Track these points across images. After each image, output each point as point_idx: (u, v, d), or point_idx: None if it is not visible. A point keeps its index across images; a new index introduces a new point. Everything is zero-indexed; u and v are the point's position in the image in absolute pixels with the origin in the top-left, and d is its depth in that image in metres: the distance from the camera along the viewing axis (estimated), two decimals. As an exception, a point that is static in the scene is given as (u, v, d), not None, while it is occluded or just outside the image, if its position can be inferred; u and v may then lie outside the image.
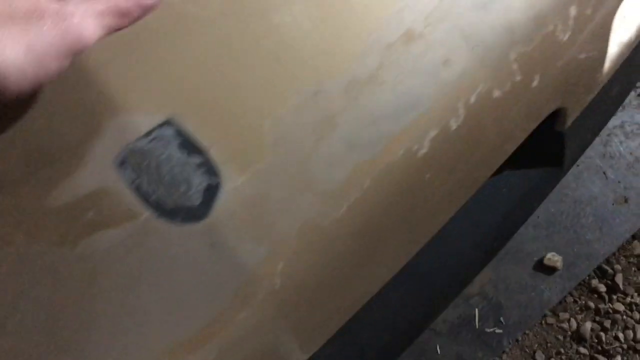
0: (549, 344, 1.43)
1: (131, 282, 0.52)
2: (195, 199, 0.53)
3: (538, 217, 1.50)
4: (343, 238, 0.58)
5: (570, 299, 1.46)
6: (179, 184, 0.53)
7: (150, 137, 0.52)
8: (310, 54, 0.56)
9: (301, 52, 0.56)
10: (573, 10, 0.64)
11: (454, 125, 0.60)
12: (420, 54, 0.58)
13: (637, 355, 1.37)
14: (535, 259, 1.50)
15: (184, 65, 0.54)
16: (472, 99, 0.60)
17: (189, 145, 0.53)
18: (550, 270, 1.49)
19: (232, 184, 0.54)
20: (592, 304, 1.45)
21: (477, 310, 1.43)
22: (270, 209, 0.55)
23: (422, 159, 0.59)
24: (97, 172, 0.52)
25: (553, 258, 1.49)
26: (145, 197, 0.52)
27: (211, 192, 0.54)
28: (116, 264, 0.51)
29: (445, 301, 0.94)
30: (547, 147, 0.87)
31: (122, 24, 0.48)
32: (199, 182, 0.53)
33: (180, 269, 0.53)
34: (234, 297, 0.54)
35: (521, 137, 0.70)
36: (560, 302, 1.45)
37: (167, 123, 0.53)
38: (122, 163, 0.52)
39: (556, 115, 0.78)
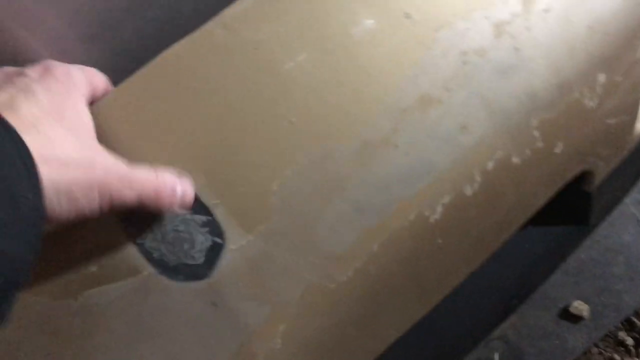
0: (570, 396, 1.38)
1: (130, 338, 0.52)
2: (199, 258, 0.53)
3: (567, 263, 1.45)
4: (348, 301, 0.57)
5: (595, 350, 1.41)
6: (182, 242, 0.53)
7: (157, 194, 0.52)
8: (323, 115, 0.56)
9: (313, 112, 0.56)
10: (602, 77, 0.62)
11: (469, 191, 0.59)
12: (436, 119, 0.57)
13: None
14: (561, 306, 1.45)
15: (191, 121, 0.54)
16: (490, 166, 0.59)
17: (195, 204, 0.53)
18: (576, 318, 1.44)
19: (236, 243, 0.54)
20: (617, 357, 1.39)
21: (496, 354, 1.39)
22: (274, 271, 0.54)
23: (434, 225, 0.58)
24: (102, 227, 0.52)
25: (579, 306, 1.44)
26: (148, 254, 0.52)
27: (215, 251, 0.53)
28: (116, 319, 0.51)
29: (459, 357, 0.91)
30: (573, 205, 0.84)
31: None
32: (203, 240, 0.53)
33: (181, 327, 0.53)
34: (234, 357, 0.53)
35: (542, 200, 0.68)
36: (584, 353, 1.40)
37: (174, 181, 0.53)
38: (126, 219, 0.52)
39: (583, 176, 0.76)
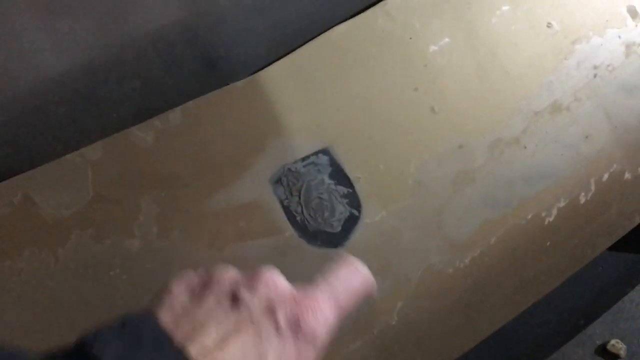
0: None
1: (264, 293, 0.57)
2: (336, 227, 0.58)
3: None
4: (460, 288, 0.62)
5: (629, 391, 1.45)
6: (324, 210, 0.58)
7: (307, 162, 0.58)
8: (463, 108, 0.62)
9: (455, 104, 0.62)
10: None
11: (582, 199, 0.64)
12: (564, 125, 0.63)
13: None
14: (599, 342, 1.50)
15: (345, 100, 0.60)
16: (605, 177, 0.65)
17: (339, 175, 0.59)
18: (613, 356, 1.49)
19: (371, 218, 0.59)
20: (652, 400, 1.44)
21: (531, 385, 1.43)
22: (400, 249, 0.60)
23: (547, 226, 0.64)
24: (254, 186, 0.58)
25: (617, 345, 1.49)
26: (292, 216, 0.58)
27: (351, 222, 0.59)
28: (255, 273, 0.57)
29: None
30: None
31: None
32: (342, 211, 0.59)
33: (310, 289, 0.58)
34: (353, 325, 0.59)
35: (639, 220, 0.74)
36: (618, 392, 1.44)
37: (323, 151, 0.59)
38: (277, 181, 0.58)
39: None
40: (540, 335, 0.90)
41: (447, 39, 0.60)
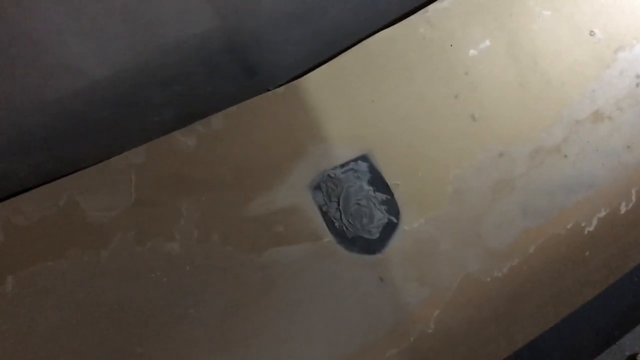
0: None
1: (303, 297, 0.57)
2: (374, 233, 0.58)
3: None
4: (497, 297, 0.61)
5: (660, 404, 1.42)
6: (362, 216, 0.58)
7: (346, 168, 0.58)
8: (503, 116, 0.61)
9: (496, 112, 0.61)
10: None
11: (623, 209, 0.63)
12: (605, 134, 0.62)
13: None
14: (628, 353, 1.47)
15: (385, 107, 0.60)
16: (646, 187, 0.63)
17: (378, 182, 0.59)
18: (644, 369, 1.45)
19: (409, 225, 0.59)
20: (684, 415, 1.40)
21: (559, 394, 1.41)
22: (438, 256, 0.60)
23: (586, 236, 0.63)
24: (293, 191, 0.58)
25: (648, 357, 1.45)
26: (330, 222, 0.58)
27: (389, 229, 0.59)
28: (293, 278, 0.57)
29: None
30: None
31: None
32: (381, 217, 0.58)
33: (348, 295, 0.58)
34: (390, 333, 0.59)
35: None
36: (648, 405, 1.42)
37: (362, 158, 0.59)
38: (316, 187, 0.58)
39: None
40: (574, 345, 0.89)
41: (487, 42, 0.59)
